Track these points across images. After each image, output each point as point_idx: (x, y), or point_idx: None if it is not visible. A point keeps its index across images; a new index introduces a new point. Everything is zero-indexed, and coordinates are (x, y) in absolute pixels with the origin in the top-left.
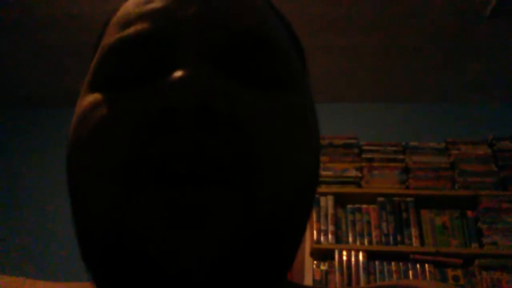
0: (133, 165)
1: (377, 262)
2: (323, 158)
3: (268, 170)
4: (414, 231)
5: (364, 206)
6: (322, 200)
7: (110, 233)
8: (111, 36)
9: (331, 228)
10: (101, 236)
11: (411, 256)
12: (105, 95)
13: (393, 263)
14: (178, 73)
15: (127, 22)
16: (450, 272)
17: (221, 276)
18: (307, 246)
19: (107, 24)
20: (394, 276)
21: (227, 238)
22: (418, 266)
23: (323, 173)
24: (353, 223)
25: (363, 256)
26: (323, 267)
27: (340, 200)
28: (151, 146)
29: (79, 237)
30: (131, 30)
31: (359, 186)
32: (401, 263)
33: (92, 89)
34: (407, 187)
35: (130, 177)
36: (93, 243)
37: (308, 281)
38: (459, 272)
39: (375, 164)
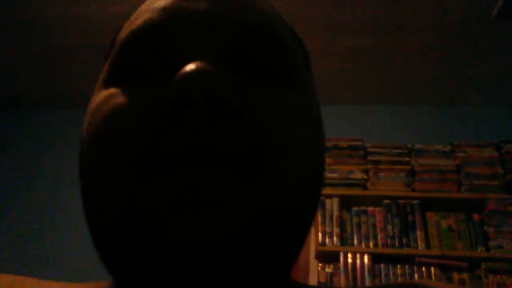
0: (146, 152)
1: (382, 265)
2: (328, 160)
3: (276, 164)
4: (419, 234)
5: (369, 208)
6: (327, 203)
7: (122, 216)
8: (123, 33)
9: (336, 230)
10: (113, 220)
11: (417, 259)
12: (119, 88)
13: (398, 266)
14: (189, 67)
15: (138, 18)
16: (456, 276)
17: (227, 258)
18: (312, 249)
19: (120, 28)
20: (400, 279)
21: (233, 224)
22: (423, 269)
23: (328, 175)
24: (358, 225)
25: (368, 259)
26: (328, 269)
27: (346, 203)
28: (163, 137)
29: (91, 224)
30: (141, 20)
31: (365, 188)
32: (406, 266)
33: (106, 85)
34: (413, 190)
35: (143, 163)
36: (106, 228)
37: (313, 283)
38: (465, 276)
39: (381, 167)
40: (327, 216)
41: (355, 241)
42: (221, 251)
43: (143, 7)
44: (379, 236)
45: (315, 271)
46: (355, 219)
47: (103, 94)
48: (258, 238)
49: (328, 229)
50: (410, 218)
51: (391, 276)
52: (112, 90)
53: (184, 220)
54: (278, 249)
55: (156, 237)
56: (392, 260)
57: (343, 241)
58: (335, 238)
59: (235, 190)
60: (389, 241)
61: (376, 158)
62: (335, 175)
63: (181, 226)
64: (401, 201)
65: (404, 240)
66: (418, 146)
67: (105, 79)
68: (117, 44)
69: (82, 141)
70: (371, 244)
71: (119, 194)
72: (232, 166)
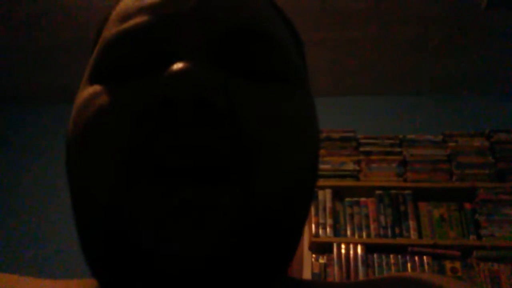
0: (133, 155)
1: (375, 255)
2: (321, 152)
3: (267, 163)
4: (412, 224)
5: (362, 199)
6: (320, 194)
7: (109, 222)
8: (110, 30)
9: (329, 221)
10: (100, 226)
11: (409, 248)
12: (105, 86)
13: (391, 256)
14: (176, 66)
15: (126, 16)
16: (448, 264)
17: (219, 271)
18: (305, 240)
19: (106, 19)
20: (393, 268)
21: (225, 234)
22: (416, 258)
23: (321, 166)
24: (351, 216)
25: (362, 249)
26: (322, 260)
27: (338, 194)
28: (151, 139)
29: (79, 227)
30: (130, 23)
31: (357, 179)
32: (399, 256)
33: (92, 81)
34: (405, 180)
35: (131, 167)
36: (92, 233)
37: (307, 274)
38: (457, 264)
39: (373, 157)
40: (320, 207)
41: (348, 232)
42: (217, 261)
43: (129, 2)
44: (372, 227)
45: (309, 262)
46: (348, 210)
47: (88, 91)
48: (255, 241)
49: (321, 221)
50: (402, 208)
51: (384, 266)
52: (98, 88)
53: (174, 232)
54: (275, 250)
55: (139, 250)
56: (385, 250)
57: (336, 232)
58: (328, 229)
59: (226, 195)
60: (381, 231)
61: (368, 149)
62: (327, 166)
63: (171, 238)
64: (393, 192)
65: (397, 230)
66: (409, 136)
67: (90, 75)
68: (102, 41)
69: (67, 142)
70: (364, 235)
71: (105, 198)
72: (221, 168)
